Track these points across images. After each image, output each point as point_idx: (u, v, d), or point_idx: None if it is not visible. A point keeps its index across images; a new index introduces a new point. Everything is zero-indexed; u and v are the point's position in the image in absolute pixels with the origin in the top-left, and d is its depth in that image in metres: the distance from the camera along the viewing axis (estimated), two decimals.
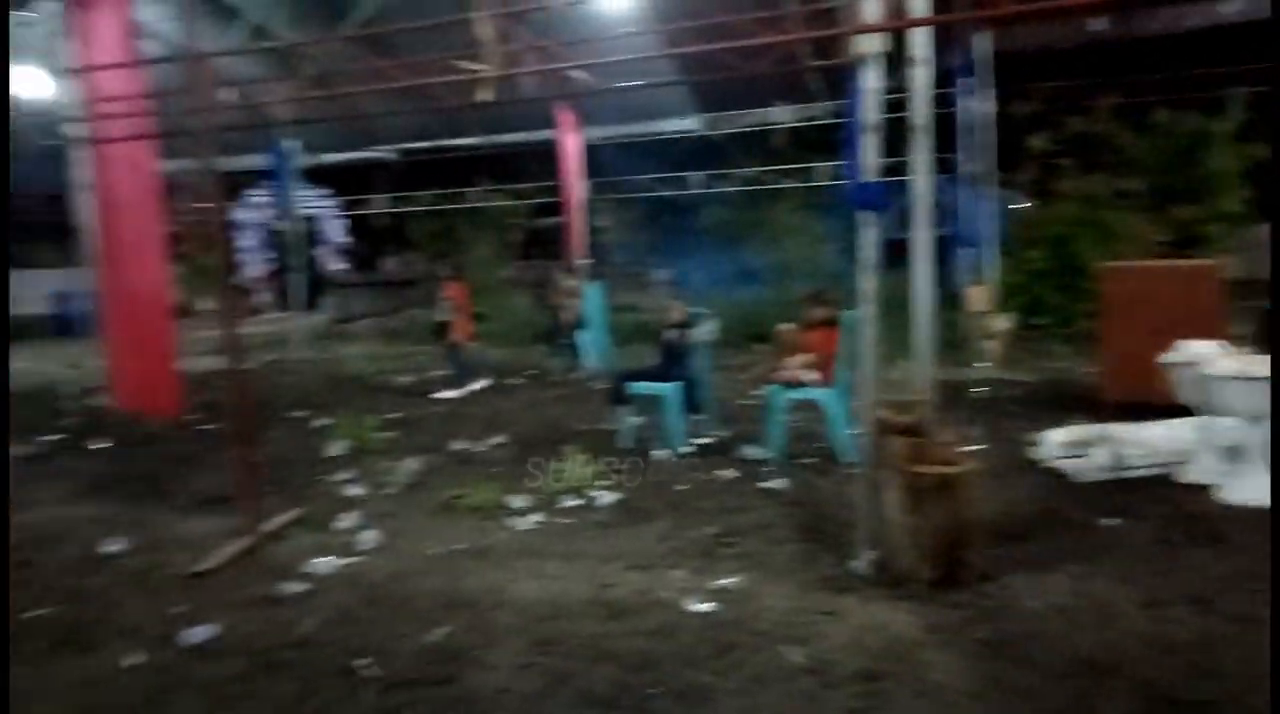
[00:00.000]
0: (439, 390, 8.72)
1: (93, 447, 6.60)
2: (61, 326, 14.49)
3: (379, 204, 18.08)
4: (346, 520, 4.73)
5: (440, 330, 9.24)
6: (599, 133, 13.88)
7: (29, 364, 11.70)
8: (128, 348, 5.22)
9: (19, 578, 4.08)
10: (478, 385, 8.80)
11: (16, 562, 4.25)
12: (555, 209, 13.46)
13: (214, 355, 7.18)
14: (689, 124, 15.50)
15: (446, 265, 10.53)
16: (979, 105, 10.15)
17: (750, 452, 5.87)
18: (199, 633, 3.39)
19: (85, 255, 14.76)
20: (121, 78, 4.95)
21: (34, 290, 15.01)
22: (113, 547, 4.42)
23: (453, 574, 3.96)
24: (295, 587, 3.86)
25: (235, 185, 15.60)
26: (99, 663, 3.23)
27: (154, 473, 5.87)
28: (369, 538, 4.44)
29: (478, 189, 16.60)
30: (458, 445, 6.45)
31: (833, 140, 12.34)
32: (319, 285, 15.89)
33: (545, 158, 13.33)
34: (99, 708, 2.91)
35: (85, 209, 9.49)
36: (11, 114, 10.23)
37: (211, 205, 4.47)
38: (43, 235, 16.23)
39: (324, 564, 4.08)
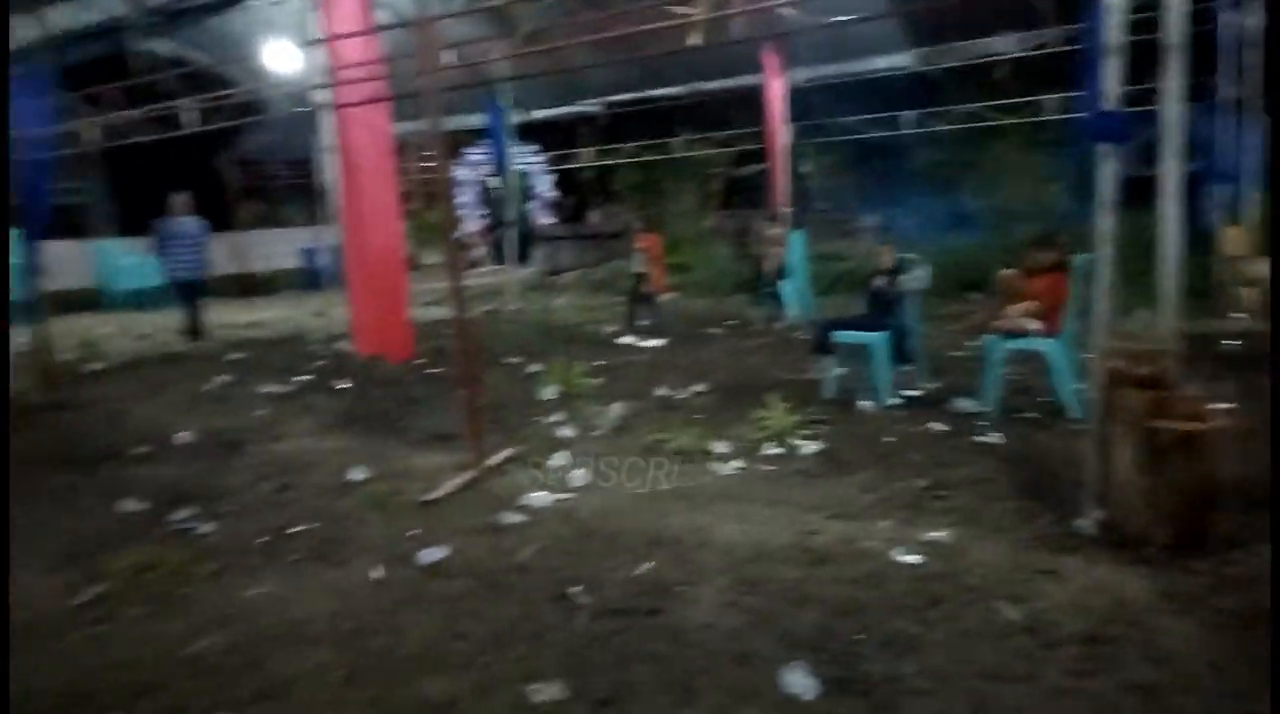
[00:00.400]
0: (639, 339, 8.92)
1: (337, 387, 7.32)
2: (309, 280, 16.03)
3: (585, 158, 18.57)
4: (559, 459, 4.98)
5: (636, 282, 9.43)
6: (805, 75, 13.47)
7: (282, 313, 13.08)
8: (367, 298, 5.69)
9: (281, 499, 4.63)
10: (661, 340, 8.92)
11: (279, 485, 4.83)
12: (758, 156, 13.28)
13: (438, 306, 7.75)
14: (901, 60, 14.70)
15: (639, 217, 10.70)
16: (1244, 20, 8.92)
17: (963, 404, 5.60)
18: (432, 554, 3.71)
19: (329, 214, 16.17)
20: (360, 45, 5.34)
21: (284, 247, 16.67)
22: (356, 475, 4.90)
23: (657, 513, 4.09)
24: (514, 517, 4.13)
25: (454, 144, 16.54)
26: (348, 574, 3.62)
27: (389, 411, 6.44)
28: (579, 476, 4.65)
29: (680, 139, 16.66)
30: (660, 392, 6.59)
31: (1063, 71, 11.30)
32: (530, 239, 16.62)
33: (748, 104, 13.13)
34: (351, 612, 3.26)
35: (330, 171, 10.38)
36: (264, 86, 11.34)
37: (435, 164, 4.76)
38: (292, 196, 18.00)
39: (539, 498, 4.33)
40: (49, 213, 8.19)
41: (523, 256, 15.33)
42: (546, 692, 2.64)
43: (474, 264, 18.30)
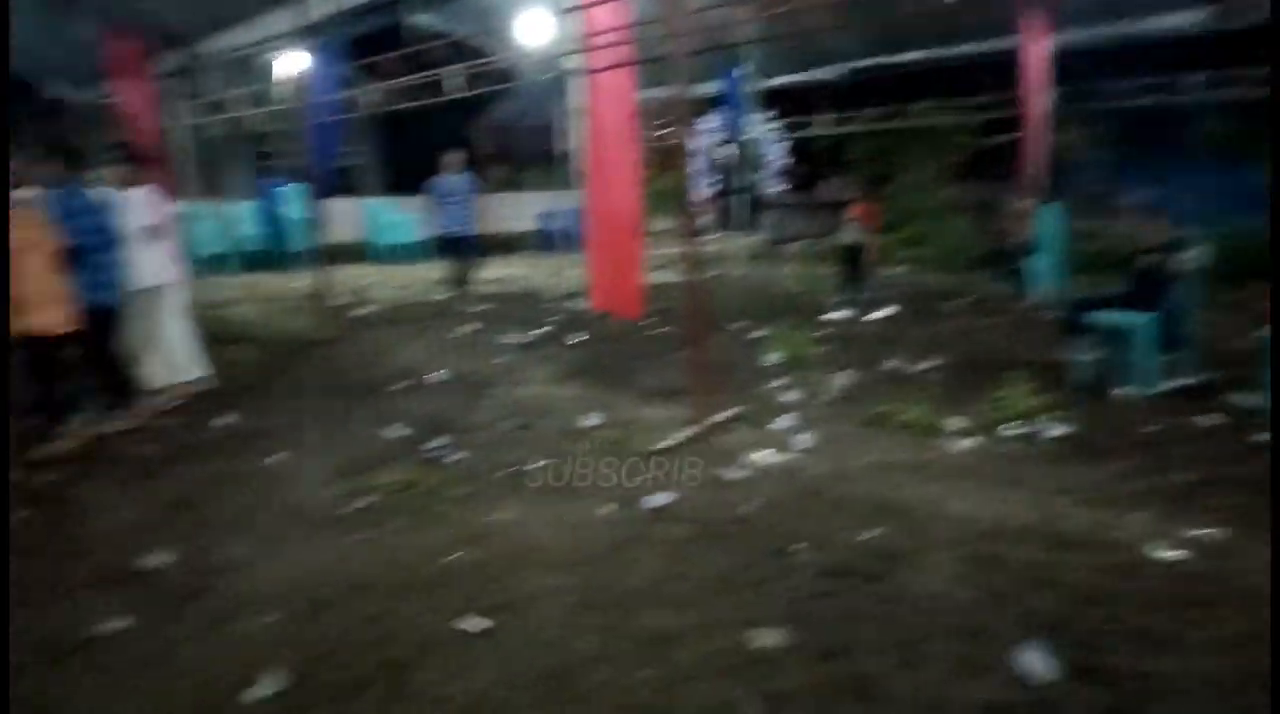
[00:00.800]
0: (854, 312, 8.64)
1: (571, 341, 7.70)
2: (545, 242, 16.88)
3: (820, 125, 18.16)
4: (782, 422, 4.98)
5: (846, 253, 9.12)
6: (1071, 37, 12.37)
7: (520, 271, 13.87)
8: (604, 257, 5.93)
9: (521, 437, 4.96)
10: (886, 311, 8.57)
11: (519, 425, 5.17)
12: (1008, 125, 12.40)
13: (666, 269, 7.92)
14: (1184, 19, 13.16)
15: (858, 186, 10.24)
16: None
17: (1241, 399, 5.00)
18: (657, 499, 3.85)
19: (568, 179, 16.88)
20: (611, 11, 5.51)
21: (524, 210, 17.60)
22: (589, 421, 5.16)
23: (885, 483, 3.99)
24: (737, 473, 4.19)
25: (689, 111, 16.72)
26: (580, 509, 3.84)
27: (619, 365, 6.69)
28: (803, 440, 4.63)
29: (922, 107, 15.87)
30: (890, 364, 6.40)
31: None
32: (758, 207, 16.54)
33: (1001, 69, 12.27)
34: (582, 544, 3.46)
35: (574, 137, 10.77)
36: (518, 55, 11.96)
37: (669, 130, 4.85)
38: (532, 162, 18.94)
39: (762, 457, 4.36)
40: (334, 173, 9.18)
41: (750, 224, 15.30)
42: (767, 638, 2.68)
43: (702, 230, 18.47)
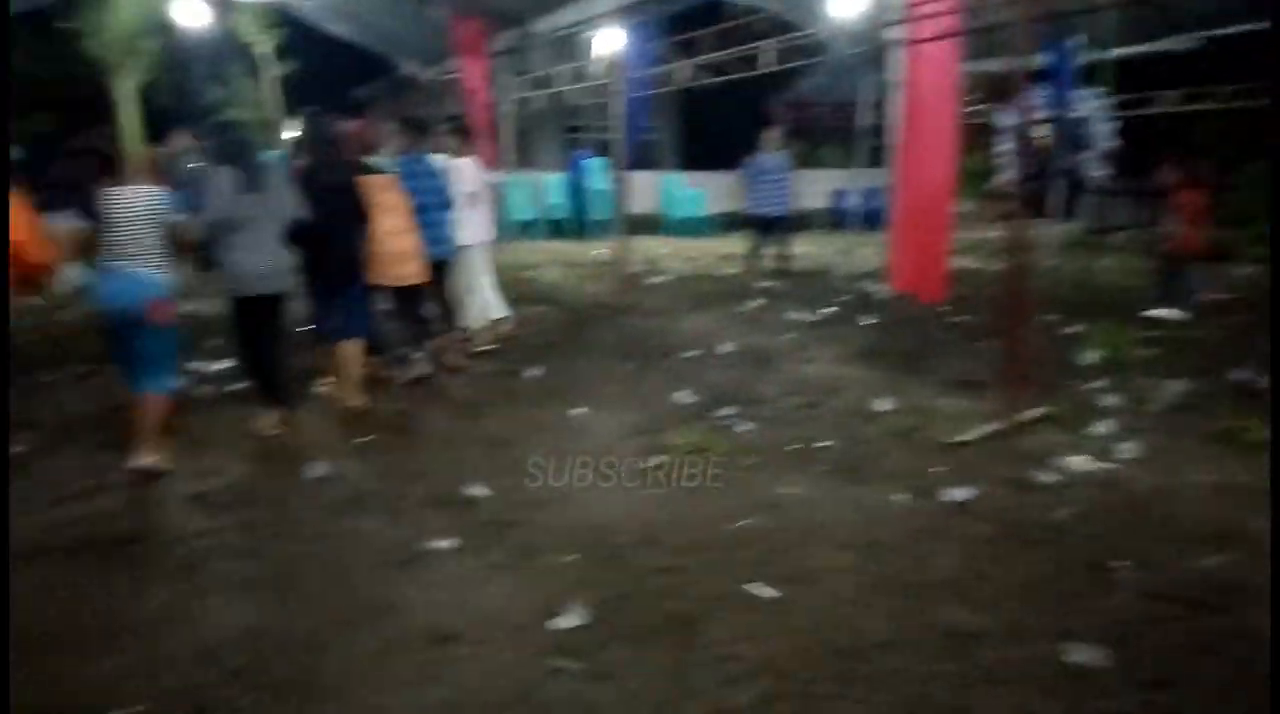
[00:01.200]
0: (1176, 312, 7.55)
1: (861, 322, 7.50)
2: (836, 220, 16.57)
3: (1162, 103, 16.12)
4: (1100, 427, 4.52)
5: (1165, 245, 7.95)
6: None
7: (810, 249, 13.70)
8: (910, 236, 5.69)
9: (808, 415, 4.91)
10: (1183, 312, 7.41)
11: (806, 402, 5.13)
12: None
13: (967, 253, 7.46)
14: None
15: (1186, 171, 8.74)
16: None
17: None
18: (958, 493, 3.65)
19: (865, 157, 16.35)
20: None
21: (817, 187, 17.33)
22: (880, 405, 5.00)
23: (1228, 507, 3.51)
24: (1046, 476, 3.87)
25: (1002, 87, 15.53)
26: (870, 493, 3.74)
27: (913, 350, 6.40)
28: (1127, 448, 4.17)
29: None
30: (1236, 375, 5.58)
31: None
32: (1077, 192, 15.05)
33: None
34: (873, 528, 3.38)
35: (877, 113, 10.35)
36: (830, 28, 11.73)
37: (982, 107, 4.50)
38: (829, 139, 18.58)
39: (1077, 462, 3.99)
40: (639, 147, 9.55)
41: (1068, 211, 13.98)
42: (1084, 654, 2.46)
43: (1008, 215, 17.19)
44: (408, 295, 5.50)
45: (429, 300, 5.81)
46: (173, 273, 4.09)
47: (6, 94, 3.04)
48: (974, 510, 3.52)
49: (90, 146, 4.12)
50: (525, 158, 16.13)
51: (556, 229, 14.98)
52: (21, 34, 14.54)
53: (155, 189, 4.06)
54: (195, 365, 5.70)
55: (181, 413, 4.46)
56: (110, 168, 4.01)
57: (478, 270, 6.44)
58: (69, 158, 4.43)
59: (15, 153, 4.62)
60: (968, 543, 3.24)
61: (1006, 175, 17.11)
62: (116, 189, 3.92)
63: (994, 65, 11.74)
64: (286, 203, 4.50)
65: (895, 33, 6.03)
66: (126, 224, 3.89)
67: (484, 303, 6.51)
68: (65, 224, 3.93)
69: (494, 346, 6.45)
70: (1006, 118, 16.45)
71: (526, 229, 14.37)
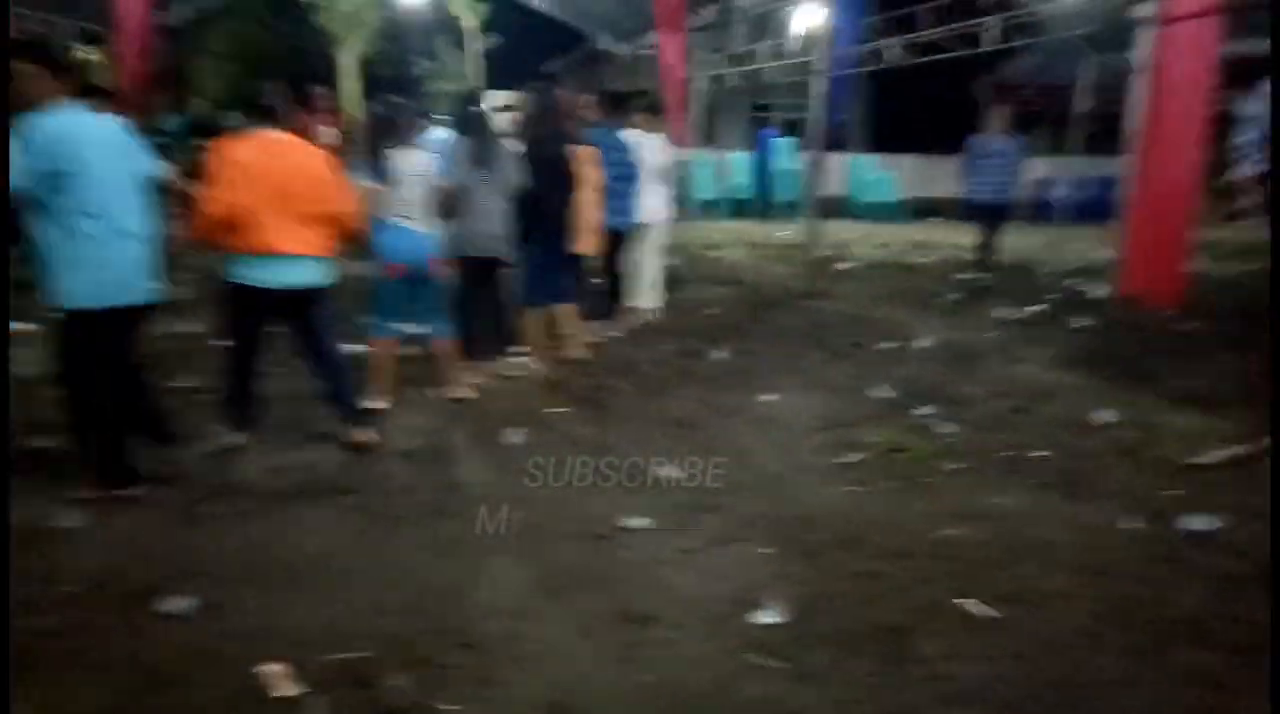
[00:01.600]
0: None
1: (1074, 323, 6.92)
2: (1039, 211, 15.47)
3: None
4: None
5: None
6: None
7: (1015, 242, 12.84)
8: (1146, 234, 5.20)
9: (1017, 420, 4.57)
10: None
11: (1014, 406, 4.78)
12: None
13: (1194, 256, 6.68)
14: None
15: None
16: None
17: None
18: (1197, 522, 3.28)
19: (1071, 145, 15.14)
20: None
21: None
22: (1100, 416, 4.59)
23: None
24: None
25: (1242, 72, 13.94)
26: (1093, 511, 3.43)
27: (1138, 358, 5.83)
28: None
29: None
30: None
31: None
32: None
33: None
34: (1101, 550, 3.09)
35: (1138, 94, 9.59)
36: (1053, 5, 10.88)
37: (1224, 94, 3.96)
38: (1033, 125, 17.35)
39: None
40: (835, 127, 9.20)
41: None
42: None
43: (1238, 214, 15.52)
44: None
45: (604, 268, 6.06)
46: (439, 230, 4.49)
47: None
48: (1219, 544, 3.16)
49: (386, 113, 4.56)
50: (710, 135, 16.03)
51: (739, 209, 14.81)
52: (257, 5, 15.82)
53: (425, 154, 4.49)
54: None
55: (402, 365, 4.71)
56: (398, 131, 4.42)
57: (649, 249, 6.45)
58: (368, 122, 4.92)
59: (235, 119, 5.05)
60: (1213, 580, 2.90)
61: (1244, 170, 15.44)
62: (401, 152, 4.33)
63: (1242, 47, 10.54)
64: (512, 173, 4.83)
65: (1145, 10, 5.48)
66: (409, 185, 4.29)
67: (646, 286, 6.52)
68: (365, 184, 4.25)
69: (640, 326, 6.45)
70: (1251, 105, 14.82)
71: (709, 208, 14.29)
